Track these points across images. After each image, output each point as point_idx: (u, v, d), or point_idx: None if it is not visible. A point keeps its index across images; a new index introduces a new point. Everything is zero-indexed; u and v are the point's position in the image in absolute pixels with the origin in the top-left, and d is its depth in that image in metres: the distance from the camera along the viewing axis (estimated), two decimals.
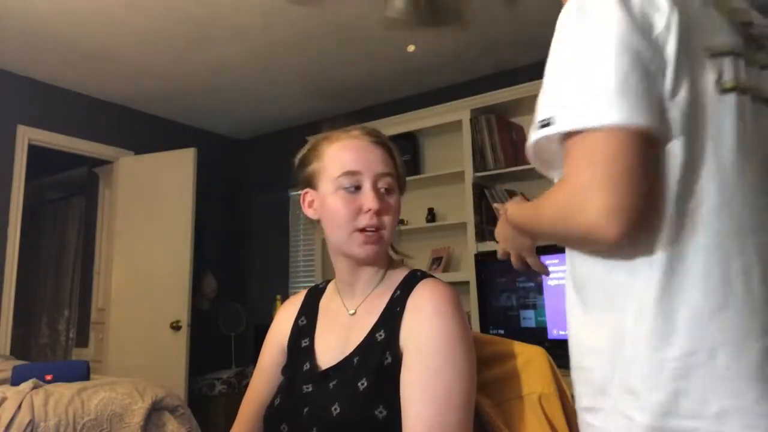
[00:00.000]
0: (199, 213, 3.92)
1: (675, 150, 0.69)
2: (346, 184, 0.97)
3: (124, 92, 3.92)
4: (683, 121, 0.69)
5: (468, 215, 3.27)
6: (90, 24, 2.99)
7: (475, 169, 3.30)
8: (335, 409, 0.89)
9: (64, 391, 1.97)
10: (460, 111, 3.40)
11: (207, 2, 2.79)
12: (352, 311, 1.03)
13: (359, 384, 0.90)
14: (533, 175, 3.29)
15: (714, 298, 0.66)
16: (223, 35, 3.13)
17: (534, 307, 2.92)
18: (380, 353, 0.92)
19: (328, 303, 1.09)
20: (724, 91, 0.71)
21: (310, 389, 0.96)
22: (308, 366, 1.00)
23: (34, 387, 1.96)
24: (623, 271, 0.71)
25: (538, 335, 2.83)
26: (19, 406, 1.83)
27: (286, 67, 3.54)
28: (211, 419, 3.79)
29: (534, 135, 0.72)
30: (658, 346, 0.67)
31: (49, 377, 2.13)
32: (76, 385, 2.04)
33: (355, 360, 0.94)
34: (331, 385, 0.94)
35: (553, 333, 2.83)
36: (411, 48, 3.30)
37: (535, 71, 3.85)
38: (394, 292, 0.99)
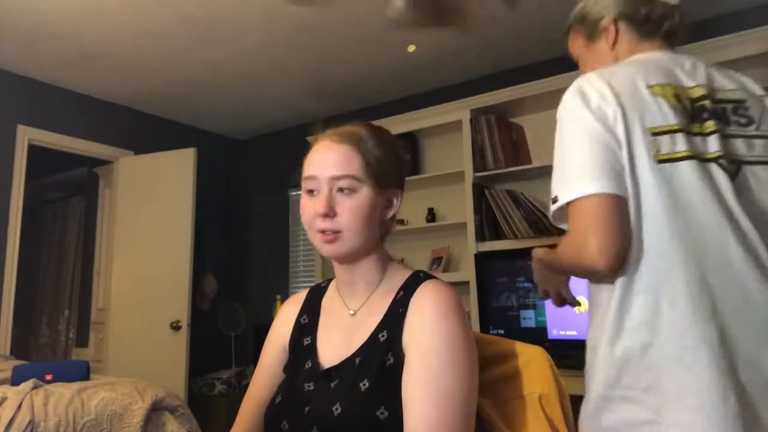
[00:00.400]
0: (199, 213, 3.92)
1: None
2: (307, 187, 1.00)
3: (124, 92, 3.92)
4: (630, 188, 0.95)
5: (468, 215, 3.27)
6: (90, 24, 2.99)
7: (475, 169, 3.30)
8: (336, 409, 0.89)
9: (64, 391, 1.97)
10: (460, 111, 3.40)
11: (207, 2, 2.79)
12: (352, 312, 1.03)
13: (361, 384, 0.91)
14: (533, 175, 3.30)
15: (648, 314, 0.93)
16: (223, 35, 3.13)
17: (534, 307, 2.92)
18: (382, 354, 0.93)
19: (330, 302, 1.09)
20: (659, 162, 0.95)
21: (312, 387, 0.97)
22: (310, 364, 1.00)
23: (34, 387, 1.96)
24: (602, 291, 1.00)
25: (538, 335, 2.83)
26: (19, 406, 1.83)
27: (286, 67, 3.54)
28: (211, 419, 3.79)
29: (551, 208, 1.02)
30: (613, 342, 0.95)
31: (49, 377, 2.13)
32: (76, 385, 2.05)
33: (357, 360, 0.95)
34: (332, 384, 0.94)
35: (553, 333, 2.83)
36: (411, 48, 3.30)
37: (535, 71, 3.83)
38: (397, 293, 0.99)
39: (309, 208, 0.99)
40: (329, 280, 1.14)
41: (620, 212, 0.94)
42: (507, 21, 2.99)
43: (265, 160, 4.77)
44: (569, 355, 2.74)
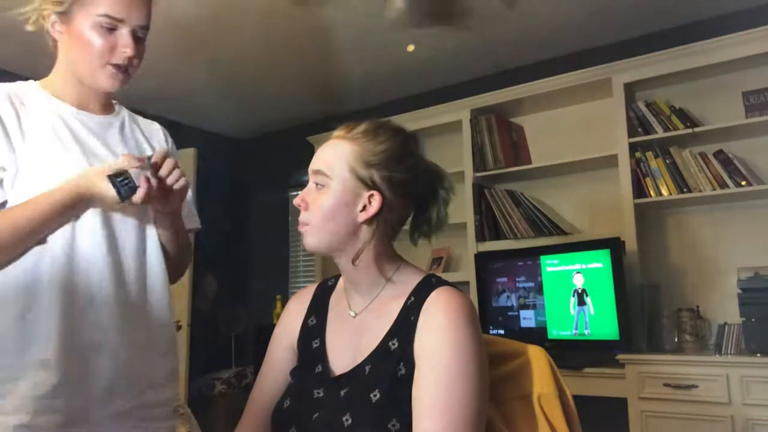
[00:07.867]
0: (199, 213, 3.91)
1: None
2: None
3: (124, 92, 3.91)
4: None
5: (468, 215, 3.27)
6: None
7: (475, 169, 3.30)
8: (347, 420, 0.88)
9: None
10: (460, 111, 3.40)
11: (207, 2, 2.79)
12: (353, 313, 1.01)
13: (372, 395, 0.89)
14: (533, 175, 3.30)
15: None
16: (222, 35, 3.13)
17: (534, 307, 2.92)
18: (394, 363, 0.91)
19: (337, 301, 1.06)
20: None
21: (321, 394, 0.95)
22: (320, 368, 0.99)
23: None
24: None
25: (538, 335, 2.83)
26: None
27: (286, 67, 3.54)
28: (211, 419, 3.79)
29: None
30: None
31: None
32: None
33: (368, 368, 0.93)
34: (342, 392, 0.92)
35: (553, 333, 2.83)
36: (411, 48, 3.30)
37: (535, 71, 3.81)
38: (408, 298, 0.96)
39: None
40: (338, 277, 1.10)
41: None
42: (507, 21, 2.99)
43: (265, 160, 4.76)
44: (569, 355, 2.76)
